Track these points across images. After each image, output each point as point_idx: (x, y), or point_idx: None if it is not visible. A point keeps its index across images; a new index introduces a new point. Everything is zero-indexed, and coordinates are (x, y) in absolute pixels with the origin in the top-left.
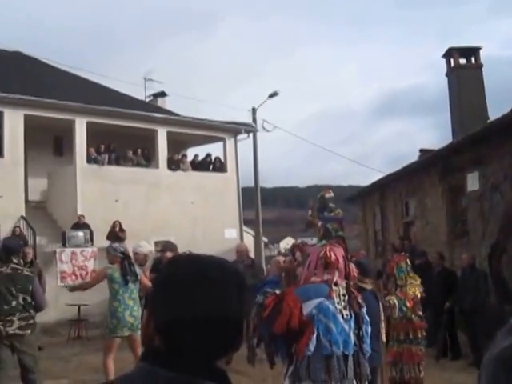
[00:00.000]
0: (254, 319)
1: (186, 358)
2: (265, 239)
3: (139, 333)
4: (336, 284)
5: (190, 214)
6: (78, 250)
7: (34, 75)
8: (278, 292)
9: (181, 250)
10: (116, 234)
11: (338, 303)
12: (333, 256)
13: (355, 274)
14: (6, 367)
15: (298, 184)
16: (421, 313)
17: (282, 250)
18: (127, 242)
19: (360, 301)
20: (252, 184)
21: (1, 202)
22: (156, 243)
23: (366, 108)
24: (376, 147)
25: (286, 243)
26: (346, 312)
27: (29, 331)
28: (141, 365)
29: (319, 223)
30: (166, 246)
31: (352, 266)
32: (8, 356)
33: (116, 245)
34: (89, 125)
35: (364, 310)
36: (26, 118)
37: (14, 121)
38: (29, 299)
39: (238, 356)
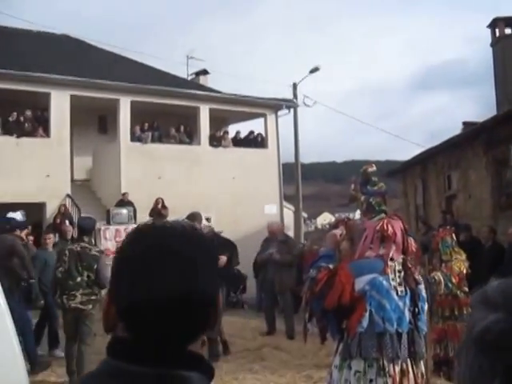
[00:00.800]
0: (307, 293)
1: (152, 346)
2: (304, 215)
3: None
4: (392, 259)
5: (231, 190)
6: (121, 228)
7: (79, 57)
8: (331, 266)
9: (223, 226)
10: (158, 210)
11: (392, 279)
12: (390, 229)
13: (414, 249)
14: (70, 336)
15: (335, 159)
16: (466, 289)
17: (319, 226)
18: (169, 218)
19: (417, 277)
20: (291, 159)
21: (48, 180)
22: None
23: (406, 82)
24: (415, 121)
25: (323, 219)
26: (400, 288)
27: (90, 306)
28: (104, 360)
29: (362, 197)
30: (189, 216)
31: (411, 241)
32: (71, 327)
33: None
34: (133, 103)
35: (421, 286)
36: (72, 98)
37: (61, 101)
38: (92, 277)
39: (278, 332)
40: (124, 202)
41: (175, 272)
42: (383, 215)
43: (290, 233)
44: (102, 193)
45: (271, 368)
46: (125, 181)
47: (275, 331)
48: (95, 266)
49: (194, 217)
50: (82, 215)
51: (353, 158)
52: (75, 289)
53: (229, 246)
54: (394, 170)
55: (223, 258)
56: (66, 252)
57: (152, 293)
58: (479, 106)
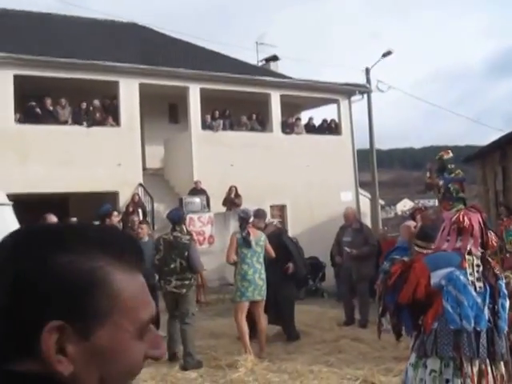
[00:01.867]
0: (380, 287)
1: None
2: (381, 202)
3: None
4: (470, 253)
5: (305, 177)
6: (195, 216)
7: (147, 44)
8: (405, 259)
9: (298, 214)
10: (232, 200)
11: (470, 274)
12: (466, 221)
13: (494, 244)
14: (172, 314)
15: (413, 145)
16: None
17: (399, 213)
18: (243, 206)
19: (497, 272)
20: (366, 146)
21: (120, 169)
22: (271, 207)
23: (483, 66)
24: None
25: (403, 205)
26: (479, 284)
27: (184, 290)
28: None
29: (440, 183)
30: (255, 212)
31: (491, 235)
32: (171, 307)
33: (242, 209)
34: (202, 91)
35: (502, 282)
36: (141, 86)
37: (130, 90)
38: (184, 263)
39: (356, 322)
40: (197, 191)
41: None
42: (461, 206)
43: (367, 220)
44: (175, 181)
45: (348, 360)
46: (197, 169)
47: (354, 322)
48: (186, 253)
49: (258, 214)
50: (155, 204)
51: (431, 143)
52: (170, 274)
53: (289, 246)
54: (472, 156)
55: (290, 266)
56: (161, 241)
57: None
58: None
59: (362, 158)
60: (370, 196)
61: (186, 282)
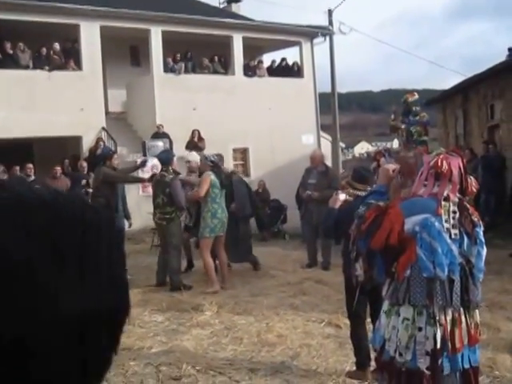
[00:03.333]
0: (354, 231)
1: None
2: (342, 144)
3: None
4: (447, 199)
5: (267, 120)
6: (157, 160)
7: None
8: (381, 204)
9: (260, 157)
10: (195, 143)
11: (446, 221)
12: (445, 166)
13: (474, 190)
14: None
15: (372, 88)
16: None
17: (357, 155)
18: (206, 150)
19: (475, 219)
20: (326, 89)
21: (82, 114)
22: (234, 150)
23: (441, 11)
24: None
25: (361, 148)
26: (454, 231)
27: (164, 222)
28: None
29: (402, 127)
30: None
31: (471, 180)
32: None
33: (208, 154)
34: (164, 34)
35: (479, 229)
36: (102, 29)
37: (91, 33)
38: (165, 199)
39: (319, 264)
40: (159, 134)
41: None
42: (442, 150)
43: (328, 162)
44: (138, 125)
45: (312, 303)
46: (160, 113)
47: (317, 264)
48: (167, 190)
49: (220, 158)
50: (118, 147)
51: (390, 86)
52: (155, 208)
53: (234, 188)
54: (433, 100)
55: (232, 206)
56: (153, 180)
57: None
58: None
59: (322, 101)
60: (330, 139)
61: (167, 216)
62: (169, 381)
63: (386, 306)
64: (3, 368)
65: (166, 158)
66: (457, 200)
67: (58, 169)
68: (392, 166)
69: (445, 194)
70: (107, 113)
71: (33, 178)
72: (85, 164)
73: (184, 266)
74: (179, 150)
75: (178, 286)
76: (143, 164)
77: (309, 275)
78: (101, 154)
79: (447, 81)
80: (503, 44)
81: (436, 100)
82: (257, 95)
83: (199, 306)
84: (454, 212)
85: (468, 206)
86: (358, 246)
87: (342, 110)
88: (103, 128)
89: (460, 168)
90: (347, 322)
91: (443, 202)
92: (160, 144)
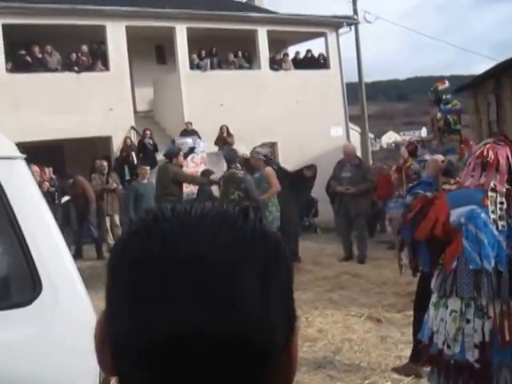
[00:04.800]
0: (400, 220)
1: None
2: (370, 135)
3: None
4: (493, 189)
5: (295, 113)
6: (188, 157)
7: None
8: (428, 194)
9: (289, 151)
10: (224, 138)
11: (492, 212)
12: (491, 155)
13: None
14: None
15: (397, 77)
16: None
17: (384, 145)
18: (234, 145)
19: None
20: (352, 79)
21: (111, 114)
22: (262, 145)
23: None
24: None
25: (388, 138)
26: (502, 222)
27: None
28: None
29: (438, 115)
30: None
31: None
32: None
33: (259, 149)
34: (189, 31)
35: None
36: (128, 29)
37: (117, 33)
38: (241, 194)
39: (355, 258)
40: (188, 131)
41: (200, 296)
42: (489, 140)
43: (358, 154)
44: (166, 123)
45: (350, 297)
46: (187, 110)
47: (353, 257)
48: (242, 186)
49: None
50: (226, 147)
51: (415, 74)
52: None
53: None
54: (464, 86)
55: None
56: (221, 177)
57: (157, 329)
58: None
59: (349, 91)
60: (359, 130)
61: None
62: None
63: (434, 297)
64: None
65: (230, 156)
66: (504, 190)
67: (105, 164)
68: (441, 157)
69: (492, 184)
70: (135, 112)
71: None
72: (105, 163)
73: None
74: (208, 146)
75: None
76: (192, 150)
77: (345, 269)
78: (168, 152)
79: (475, 66)
80: None
81: (467, 86)
82: (283, 89)
83: None
84: (502, 203)
85: None
86: (403, 235)
87: (368, 100)
88: (132, 127)
89: (508, 157)
90: (387, 315)
91: (490, 193)
92: (189, 141)
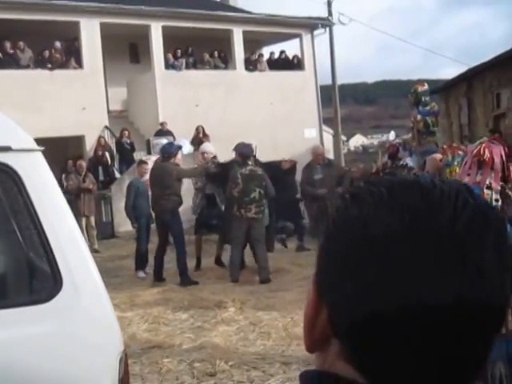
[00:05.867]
0: None
1: None
2: (343, 138)
3: None
4: (489, 187)
5: (270, 114)
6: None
7: None
8: None
9: (263, 151)
10: (200, 139)
11: None
12: (487, 154)
13: None
14: (240, 240)
15: (366, 80)
16: None
17: (352, 148)
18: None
19: None
20: (324, 82)
21: (85, 113)
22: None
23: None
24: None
25: (356, 141)
26: None
27: (261, 215)
28: None
29: (418, 117)
30: (240, 145)
31: None
32: (243, 233)
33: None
34: (164, 29)
35: None
36: (102, 26)
37: (91, 30)
38: (262, 192)
39: None
40: (163, 132)
41: (457, 267)
42: (484, 139)
43: (330, 156)
44: (140, 123)
45: None
46: (162, 110)
47: None
48: (263, 184)
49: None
50: (240, 142)
51: (384, 78)
52: (249, 204)
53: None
54: (435, 89)
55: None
56: (239, 175)
57: (427, 299)
58: None
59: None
60: (332, 132)
61: (262, 208)
62: (204, 377)
63: None
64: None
65: (247, 151)
66: (499, 188)
67: (84, 165)
68: (439, 156)
69: (487, 182)
70: (108, 111)
71: None
72: (84, 164)
73: (193, 264)
74: (184, 147)
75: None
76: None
77: None
78: (166, 150)
79: (442, 70)
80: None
81: (438, 90)
82: (258, 89)
83: (221, 302)
84: (497, 200)
85: (510, 193)
86: None
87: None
88: (106, 127)
89: (502, 156)
90: None
91: (486, 191)
92: (165, 141)
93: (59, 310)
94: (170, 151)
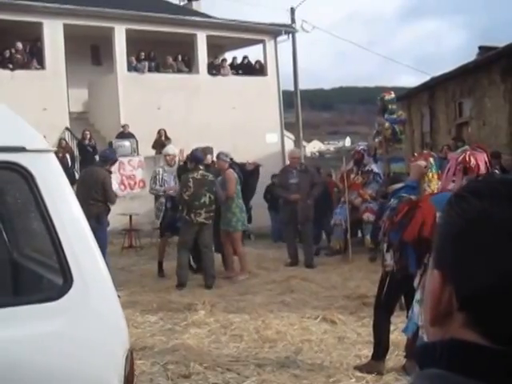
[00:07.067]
0: (386, 223)
1: None
2: (304, 143)
3: None
4: None
5: (232, 119)
6: (125, 160)
7: None
8: (413, 198)
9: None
10: (162, 142)
11: None
12: (472, 161)
13: None
14: (188, 245)
15: (323, 86)
16: None
17: (308, 154)
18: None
19: None
20: (285, 87)
21: (45, 114)
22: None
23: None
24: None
25: (313, 147)
26: None
27: (210, 221)
28: (430, 373)
29: (386, 124)
30: (204, 149)
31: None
32: (191, 237)
33: (225, 152)
34: (128, 32)
35: None
36: (65, 27)
37: (54, 31)
38: (212, 197)
39: (300, 263)
40: (125, 134)
41: None
42: (466, 147)
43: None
44: (101, 125)
45: (303, 300)
46: (124, 112)
47: (298, 263)
48: (214, 189)
49: (209, 151)
50: (195, 147)
51: (341, 84)
52: (199, 208)
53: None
54: (397, 97)
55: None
56: (190, 179)
57: None
58: (467, 31)
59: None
60: (293, 137)
61: (212, 214)
62: (179, 379)
63: (418, 295)
64: None
65: (200, 156)
66: None
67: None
68: (424, 163)
69: None
70: (69, 113)
71: None
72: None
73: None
74: (145, 150)
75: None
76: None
77: (293, 273)
78: (107, 155)
79: (397, 79)
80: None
81: (400, 98)
82: (221, 94)
83: (191, 305)
84: None
85: None
86: (390, 237)
87: (292, 108)
88: (67, 128)
89: (486, 162)
90: (341, 317)
91: None
92: (127, 144)
93: (69, 308)
94: (107, 156)
